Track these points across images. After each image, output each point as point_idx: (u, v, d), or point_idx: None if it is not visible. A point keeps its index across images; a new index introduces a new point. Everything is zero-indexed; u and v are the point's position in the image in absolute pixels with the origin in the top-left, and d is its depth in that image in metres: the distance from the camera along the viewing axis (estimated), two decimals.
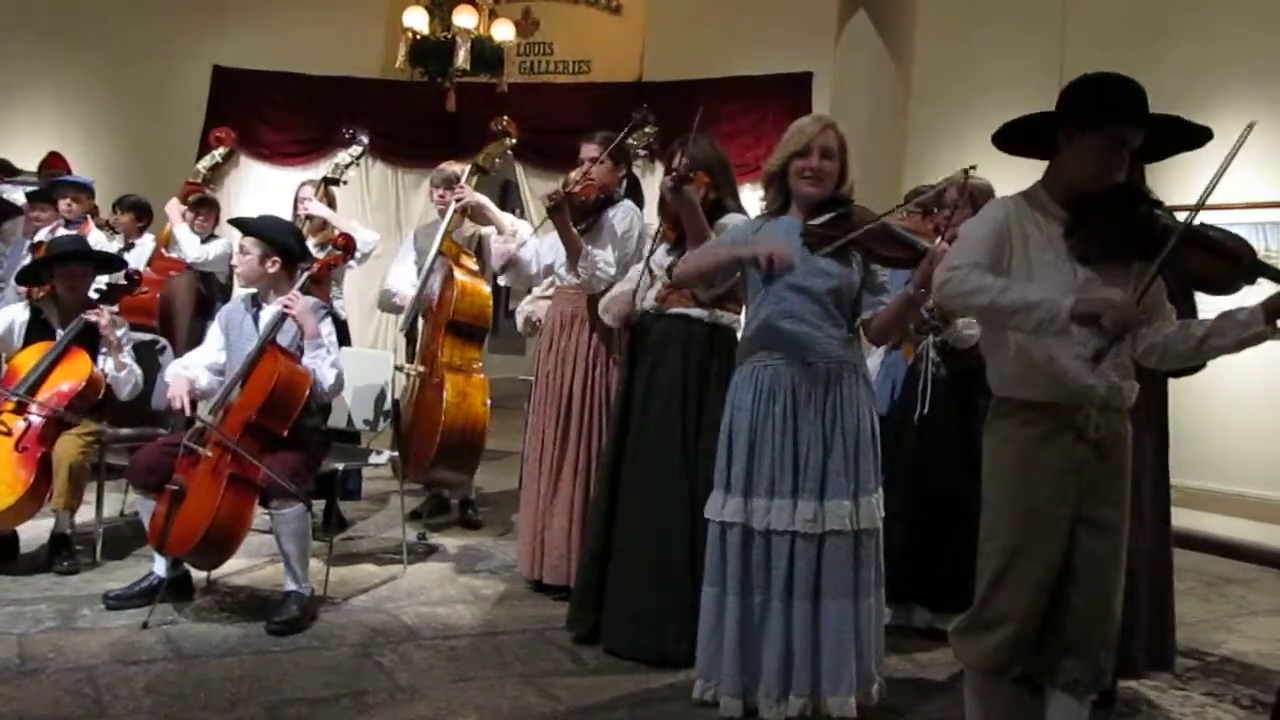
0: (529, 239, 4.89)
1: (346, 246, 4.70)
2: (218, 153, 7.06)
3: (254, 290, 4.29)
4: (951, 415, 3.98)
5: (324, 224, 5.80)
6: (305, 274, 4.27)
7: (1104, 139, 2.47)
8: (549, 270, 4.69)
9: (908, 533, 3.96)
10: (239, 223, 4.34)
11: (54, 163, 7.60)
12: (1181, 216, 2.40)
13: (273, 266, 4.20)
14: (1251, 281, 2.41)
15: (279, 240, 4.26)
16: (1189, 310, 3.01)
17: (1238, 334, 2.37)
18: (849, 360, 3.15)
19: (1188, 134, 2.56)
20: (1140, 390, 2.64)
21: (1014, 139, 2.66)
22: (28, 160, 7.59)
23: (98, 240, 6.31)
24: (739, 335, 3.82)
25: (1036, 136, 2.62)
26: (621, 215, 4.46)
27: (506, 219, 5.40)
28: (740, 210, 3.87)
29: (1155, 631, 3.38)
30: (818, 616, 3.07)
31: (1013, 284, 2.46)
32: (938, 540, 3.92)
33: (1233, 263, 2.42)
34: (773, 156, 3.23)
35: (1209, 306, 2.60)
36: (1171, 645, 3.54)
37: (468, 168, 5.44)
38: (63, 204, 6.46)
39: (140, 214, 6.87)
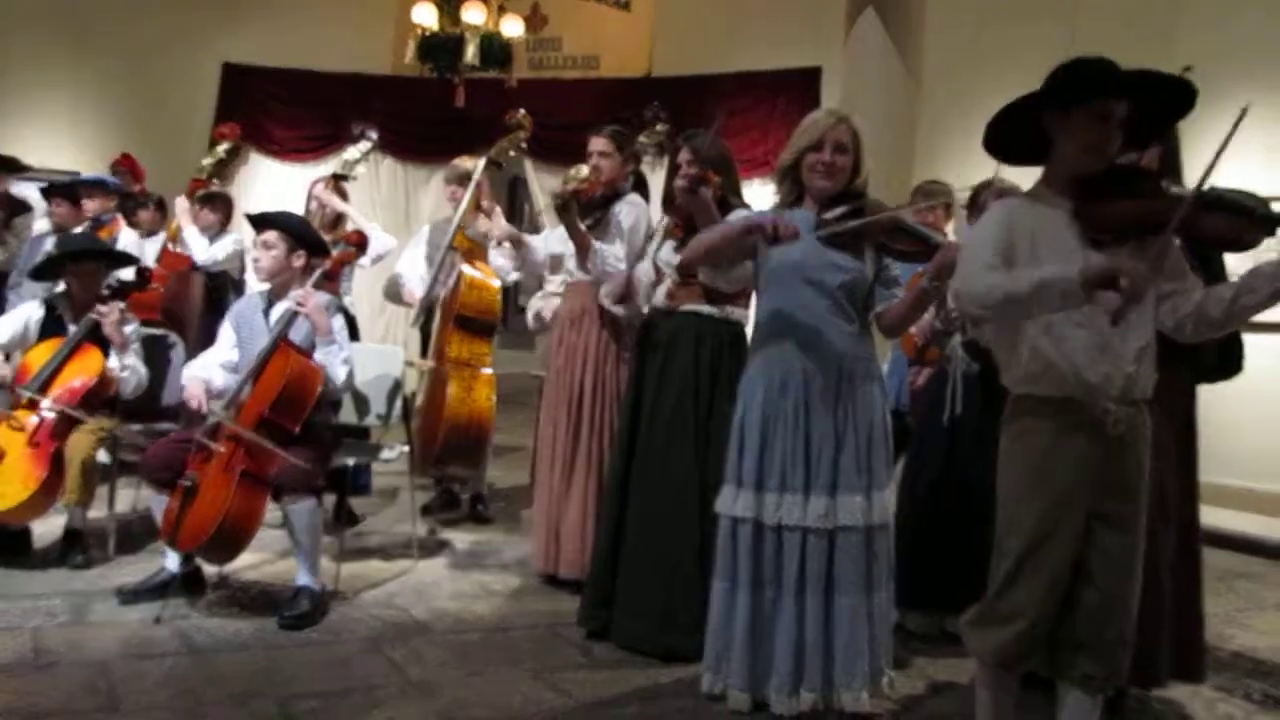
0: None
1: (359, 243, 4.72)
2: (221, 148, 7.10)
3: (268, 287, 4.30)
4: (985, 413, 3.73)
5: (335, 221, 5.82)
6: (319, 271, 4.29)
7: (1089, 115, 2.48)
8: (557, 261, 4.69)
9: (941, 538, 3.87)
10: (258, 218, 4.33)
11: (122, 162, 7.68)
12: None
13: (299, 261, 4.23)
14: (1271, 233, 2.42)
15: (307, 235, 4.28)
16: (1216, 276, 2.99)
17: (1269, 287, 2.36)
18: (861, 355, 3.14)
19: (1173, 97, 2.53)
20: (1164, 384, 2.63)
21: (1004, 144, 2.67)
22: (40, 157, 7.63)
23: (129, 239, 6.34)
24: (749, 331, 3.83)
25: (1030, 144, 2.63)
26: (628, 210, 4.47)
27: (507, 227, 5.37)
28: (744, 207, 3.86)
29: (1181, 639, 3.29)
30: (830, 611, 3.07)
31: (1022, 271, 2.46)
32: (972, 546, 3.78)
33: (1247, 217, 2.42)
34: (785, 150, 3.22)
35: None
36: (1200, 655, 3.43)
37: (481, 162, 5.43)
38: (85, 203, 6.51)
39: (163, 210, 6.93)
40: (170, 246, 6.67)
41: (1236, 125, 2.23)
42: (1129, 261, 2.28)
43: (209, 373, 4.21)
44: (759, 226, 2.97)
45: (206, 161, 7.02)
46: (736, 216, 3.69)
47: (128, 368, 4.59)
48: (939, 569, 3.86)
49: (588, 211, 4.43)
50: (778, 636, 3.09)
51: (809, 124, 3.17)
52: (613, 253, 4.34)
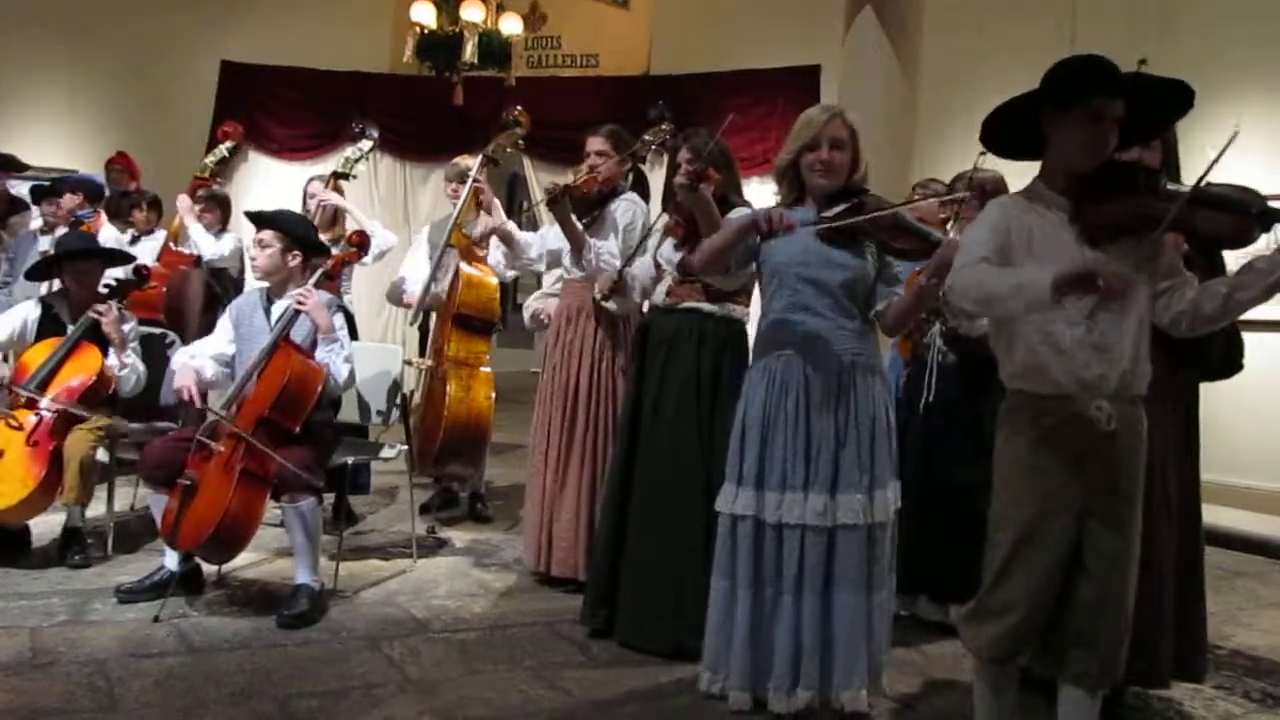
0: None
1: (360, 243, 4.71)
2: (224, 147, 7.07)
3: (267, 285, 4.30)
4: (960, 403, 3.92)
5: (334, 220, 5.81)
6: (320, 270, 4.28)
7: (1083, 114, 2.48)
8: (555, 258, 4.68)
9: (913, 523, 3.86)
10: (257, 216, 4.34)
11: (118, 160, 7.68)
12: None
13: (294, 260, 4.23)
14: (1267, 229, 2.43)
15: (302, 234, 4.28)
16: (1217, 271, 3.00)
17: (1262, 282, 2.39)
18: (863, 352, 3.12)
19: (1171, 98, 2.55)
20: (1166, 380, 2.63)
21: (1002, 140, 2.67)
22: (38, 156, 7.62)
23: (109, 236, 6.33)
24: (749, 329, 3.83)
25: (1027, 138, 2.63)
26: (624, 208, 4.47)
27: (510, 227, 5.38)
28: (745, 204, 3.87)
29: (1183, 638, 3.29)
30: (828, 610, 3.06)
31: (1008, 271, 2.46)
32: (944, 531, 3.89)
33: (1242, 214, 2.43)
34: (783, 150, 3.20)
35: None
36: (1202, 654, 3.43)
37: (478, 159, 5.42)
38: (60, 200, 6.51)
39: (157, 209, 6.92)
40: (172, 245, 6.67)
41: (1226, 146, 2.25)
42: (1106, 263, 2.29)
43: (200, 362, 4.21)
44: (754, 223, 2.98)
45: (209, 160, 7.00)
46: (737, 215, 3.70)
47: (126, 365, 4.59)
48: (913, 555, 3.89)
49: (585, 209, 4.43)
50: (777, 635, 3.08)
51: (804, 122, 3.15)
52: (607, 249, 4.34)
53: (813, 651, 3.05)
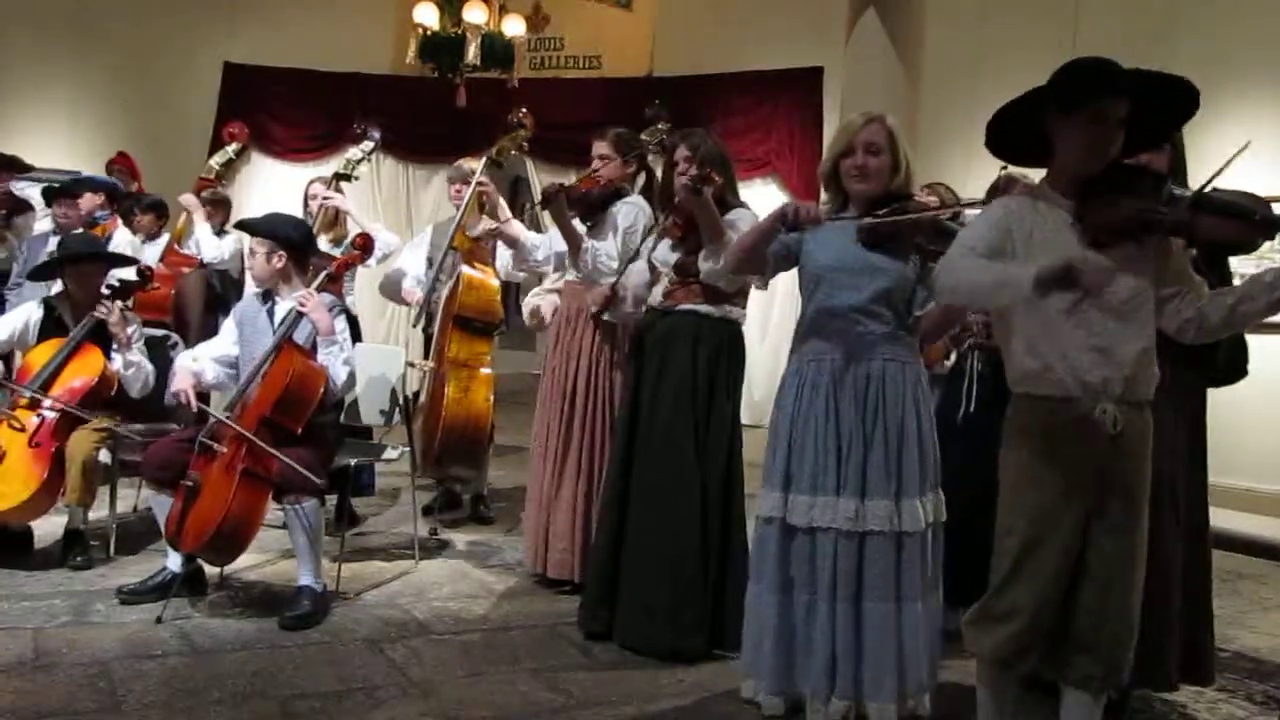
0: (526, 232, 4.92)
1: (364, 246, 4.70)
2: (230, 149, 7.06)
3: (266, 287, 4.31)
4: (996, 414, 3.86)
5: (334, 221, 5.81)
6: (323, 273, 4.28)
7: (1087, 116, 2.48)
8: (561, 261, 4.69)
9: (960, 534, 3.87)
10: (244, 225, 4.36)
11: (118, 160, 7.68)
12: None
13: (279, 261, 4.22)
14: (1270, 237, 2.43)
15: (281, 234, 4.27)
16: (1223, 278, 2.99)
17: (1267, 296, 2.40)
18: (895, 358, 3.07)
19: (1176, 99, 2.54)
20: (1173, 383, 2.63)
21: (1009, 145, 2.67)
22: (41, 156, 7.62)
23: (122, 239, 6.33)
24: (744, 330, 3.83)
25: (1032, 145, 2.63)
26: (626, 210, 4.45)
27: (515, 230, 5.37)
28: (741, 205, 3.87)
29: (1190, 642, 3.27)
30: (859, 618, 3.01)
31: (995, 264, 2.46)
32: (976, 541, 3.80)
33: (1245, 221, 2.43)
34: (824, 158, 3.23)
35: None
36: (1209, 658, 3.40)
37: (482, 161, 5.42)
38: (79, 201, 6.53)
39: (160, 212, 6.91)
40: (176, 246, 6.67)
41: (1236, 155, 2.25)
42: (1087, 258, 2.29)
43: (201, 365, 4.23)
44: (781, 214, 2.97)
45: (215, 161, 6.98)
46: (735, 215, 3.70)
47: (132, 364, 4.59)
48: (950, 566, 3.84)
49: (589, 211, 4.43)
50: (815, 642, 3.04)
51: (840, 129, 3.18)
52: (604, 250, 4.33)
53: (846, 661, 3.01)
